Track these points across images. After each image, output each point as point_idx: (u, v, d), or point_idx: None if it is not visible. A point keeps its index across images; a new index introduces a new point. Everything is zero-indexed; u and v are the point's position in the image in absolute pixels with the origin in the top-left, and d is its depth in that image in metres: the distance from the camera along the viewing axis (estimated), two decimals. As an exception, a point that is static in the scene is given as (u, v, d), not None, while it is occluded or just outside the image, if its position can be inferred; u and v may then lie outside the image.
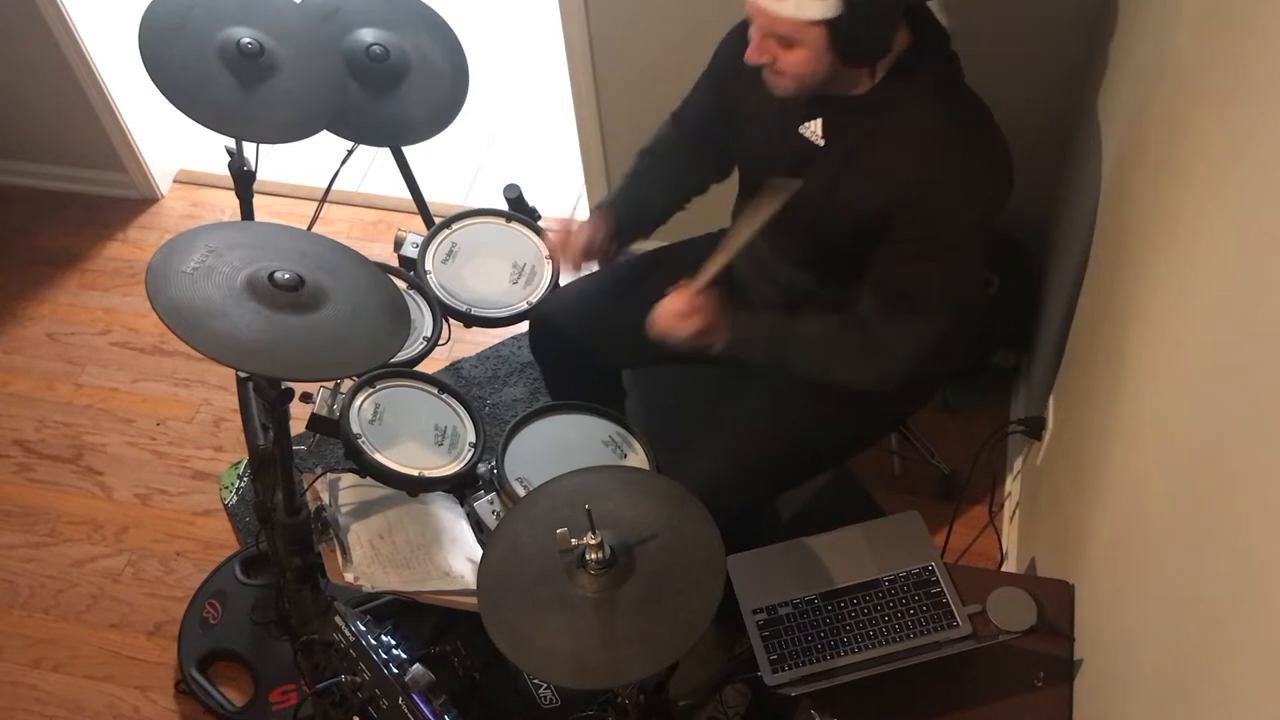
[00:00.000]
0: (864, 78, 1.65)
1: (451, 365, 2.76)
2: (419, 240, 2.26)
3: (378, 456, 1.92)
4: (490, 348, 2.79)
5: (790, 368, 1.83)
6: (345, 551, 1.86)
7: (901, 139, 1.66)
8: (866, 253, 1.74)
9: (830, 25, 1.53)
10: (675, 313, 1.78)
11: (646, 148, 2.07)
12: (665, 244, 2.22)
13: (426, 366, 2.13)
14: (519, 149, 3.26)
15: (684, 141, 2.03)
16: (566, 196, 3.03)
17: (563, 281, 2.17)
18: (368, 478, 1.95)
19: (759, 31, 1.60)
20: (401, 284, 2.16)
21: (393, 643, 1.75)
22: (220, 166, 2.25)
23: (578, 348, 2.15)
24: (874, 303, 1.74)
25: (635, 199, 2.07)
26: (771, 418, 1.97)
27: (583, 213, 2.87)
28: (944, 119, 1.65)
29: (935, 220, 1.66)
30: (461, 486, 2.09)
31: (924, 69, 1.65)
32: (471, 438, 2.04)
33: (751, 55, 1.63)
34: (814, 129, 1.74)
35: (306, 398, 1.90)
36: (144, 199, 3.19)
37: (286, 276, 1.59)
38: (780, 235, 1.91)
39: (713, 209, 2.14)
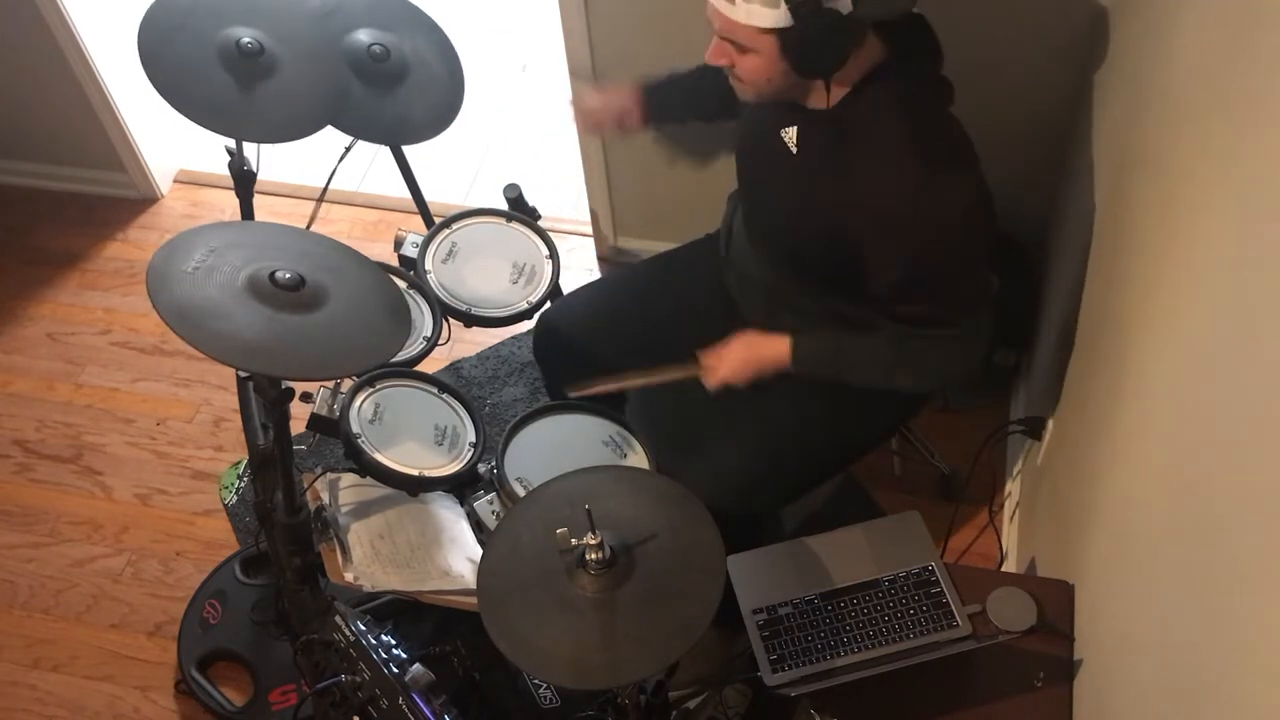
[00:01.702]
0: (825, 90, 1.63)
1: (451, 365, 2.76)
2: (419, 240, 2.26)
3: (378, 456, 1.92)
4: (490, 348, 2.79)
5: (850, 382, 1.84)
6: (345, 551, 1.86)
7: (867, 161, 1.65)
8: (850, 266, 1.73)
9: (781, 35, 1.53)
10: (728, 364, 1.86)
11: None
12: (668, 248, 2.22)
13: (426, 366, 2.13)
14: (519, 149, 3.26)
15: None
16: (566, 196, 3.03)
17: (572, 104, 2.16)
18: (368, 478, 1.95)
19: (717, 34, 1.61)
20: (401, 284, 2.16)
21: (393, 643, 1.75)
22: (220, 166, 2.25)
23: (583, 353, 2.15)
24: (904, 332, 1.75)
25: (680, 87, 2.04)
26: (779, 427, 1.97)
27: (583, 213, 2.89)
28: (909, 141, 1.62)
29: (913, 252, 1.65)
30: (461, 486, 2.09)
31: (893, 87, 1.63)
32: (471, 438, 2.04)
33: (710, 57, 1.64)
34: (791, 135, 1.74)
35: (306, 398, 1.91)
36: (144, 199, 3.19)
37: (287, 276, 1.59)
38: (758, 234, 1.92)
39: (710, 205, 2.14)
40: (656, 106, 2.04)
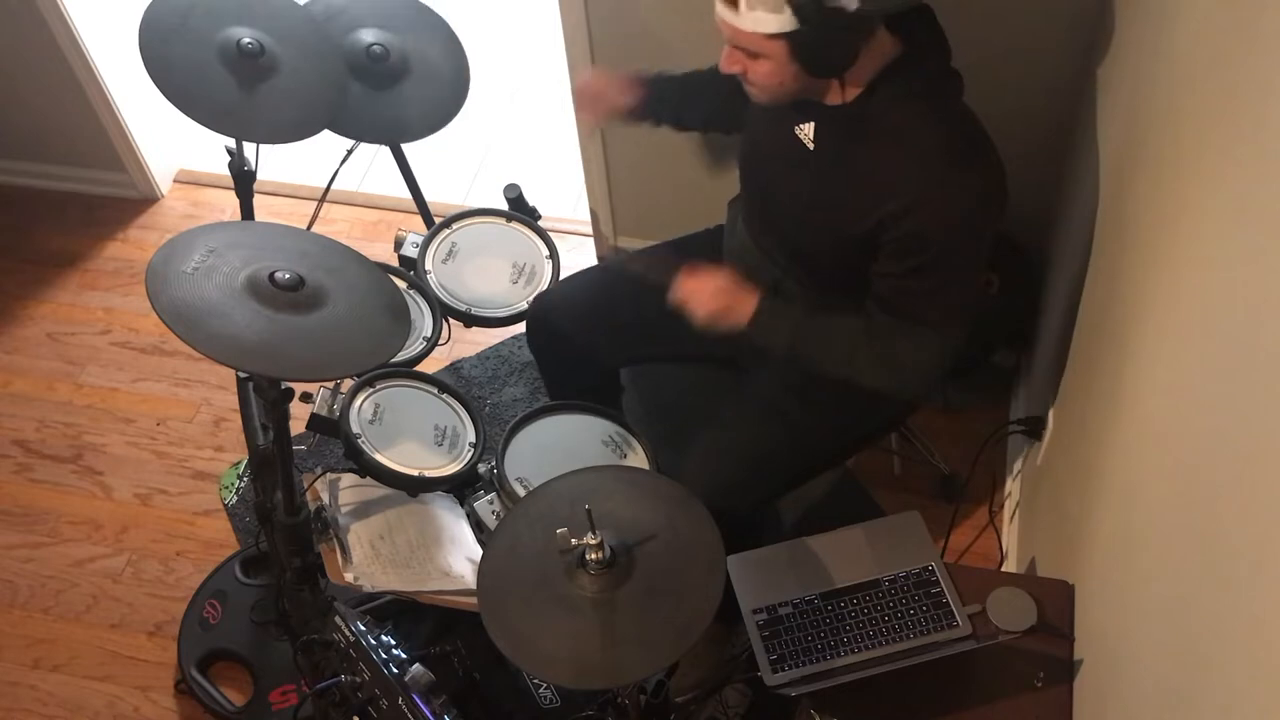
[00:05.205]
0: (840, 87, 1.64)
1: (451, 365, 2.76)
2: (419, 240, 2.26)
3: (378, 456, 1.92)
4: (490, 348, 2.79)
5: (809, 364, 1.81)
6: (345, 551, 1.86)
7: (887, 153, 1.65)
8: (858, 265, 1.74)
9: (790, 39, 1.54)
10: (704, 289, 1.78)
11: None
12: (662, 241, 2.22)
13: (426, 366, 2.13)
14: (519, 149, 3.26)
15: None
16: (566, 196, 3.03)
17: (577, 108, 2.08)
18: (368, 478, 1.95)
19: (728, 43, 1.62)
20: (401, 284, 2.16)
21: (393, 643, 1.75)
22: (220, 166, 2.26)
23: (575, 345, 2.15)
24: (882, 318, 1.74)
25: (684, 86, 2.02)
26: (771, 419, 1.97)
27: (583, 213, 2.89)
28: (931, 132, 1.63)
29: (928, 240, 1.65)
30: (461, 486, 2.09)
31: (910, 81, 1.64)
32: (471, 438, 2.04)
33: (723, 65, 1.65)
34: (807, 131, 1.74)
35: (306, 398, 1.91)
36: (144, 199, 3.19)
37: (287, 276, 1.59)
38: (764, 235, 1.92)
39: (710, 205, 2.14)
40: (654, 102, 2.02)
